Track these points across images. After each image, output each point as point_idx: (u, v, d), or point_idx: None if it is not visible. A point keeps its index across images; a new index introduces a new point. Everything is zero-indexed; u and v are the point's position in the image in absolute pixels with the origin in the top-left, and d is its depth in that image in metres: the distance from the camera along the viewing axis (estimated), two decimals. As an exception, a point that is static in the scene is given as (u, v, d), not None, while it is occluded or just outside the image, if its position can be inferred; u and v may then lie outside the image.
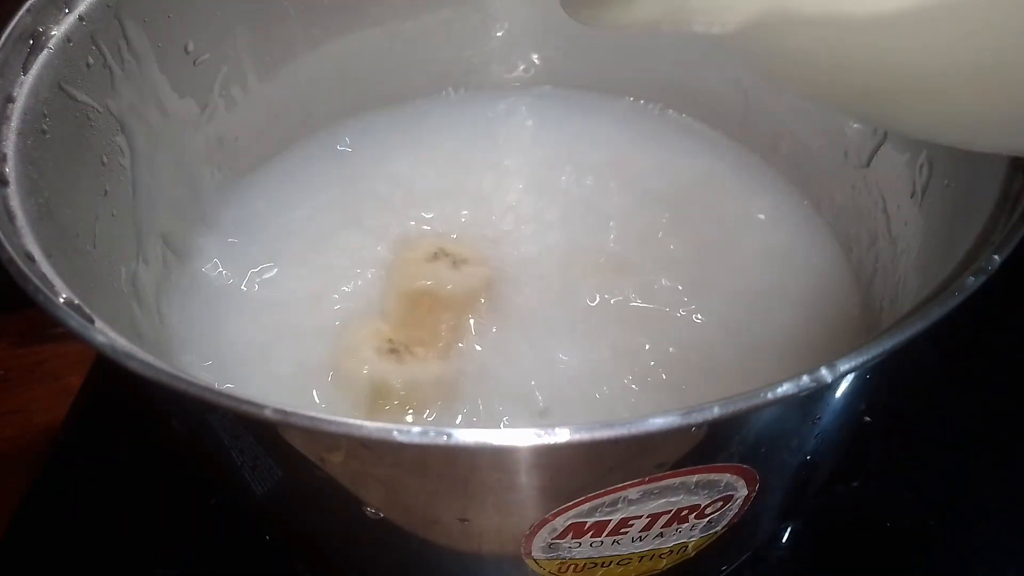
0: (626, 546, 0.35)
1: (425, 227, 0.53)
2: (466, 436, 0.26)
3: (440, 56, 0.61)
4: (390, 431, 0.26)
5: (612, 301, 0.48)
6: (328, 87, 0.59)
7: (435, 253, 0.50)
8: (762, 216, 0.54)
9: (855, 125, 0.51)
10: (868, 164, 0.51)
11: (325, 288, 0.50)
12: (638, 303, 0.48)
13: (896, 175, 0.48)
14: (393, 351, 0.45)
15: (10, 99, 0.37)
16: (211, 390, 0.27)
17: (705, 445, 0.30)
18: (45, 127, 0.39)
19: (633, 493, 0.31)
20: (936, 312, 0.29)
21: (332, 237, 0.53)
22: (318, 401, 0.45)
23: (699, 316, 0.48)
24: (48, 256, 0.33)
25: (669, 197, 0.55)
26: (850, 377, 0.28)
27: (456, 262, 0.49)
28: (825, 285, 0.50)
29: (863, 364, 0.28)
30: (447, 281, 0.48)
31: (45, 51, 0.39)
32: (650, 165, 0.57)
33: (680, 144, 0.59)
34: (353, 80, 0.60)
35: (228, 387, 0.45)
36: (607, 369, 0.45)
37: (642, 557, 0.36)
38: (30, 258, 0.33)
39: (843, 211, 0.53)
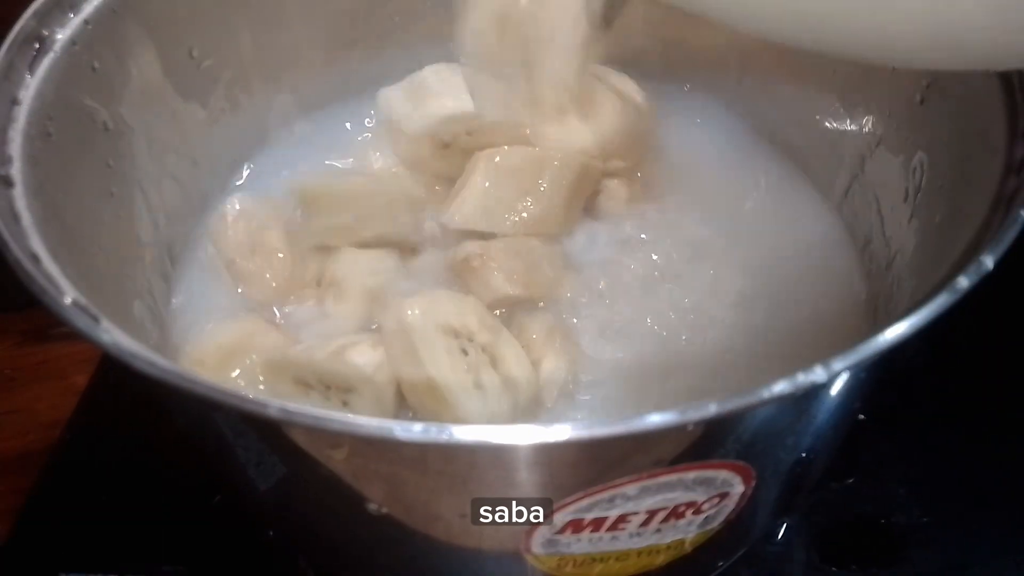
0: (624, 542, 0.35)
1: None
2: (466, 434, 0.26)
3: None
4: (391, 429, 0.26)
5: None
6: (330, 83, 0.60)
7: None
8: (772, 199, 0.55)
9: (851, 127, 0.52)
10: (863, 167, 0.51)
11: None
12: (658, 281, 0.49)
13: (890, 177, 0.48)
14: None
15: (16, 101, 0.38)
16: (216, 389, 0.28)
17: (702, 442, 0.31)
18: (51, 130, 0.39)
19: (631, 489, 0.32)
20: (929, 313, 0.29)
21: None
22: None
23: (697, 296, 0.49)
24: (54, 257, 0.34)
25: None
26: (845, 376, 0.29)
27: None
28: (831, 275, 0.51)
29: (857, 363, 0.28)
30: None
31: (51, 54, 0.40)
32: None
33: (693, 124, 0.60)
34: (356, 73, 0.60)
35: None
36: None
37: (640, 553, 0.36)
38: (36, 259, 0.33)
39: (838, 212, 0.54)
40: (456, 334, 0.42)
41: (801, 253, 0.52)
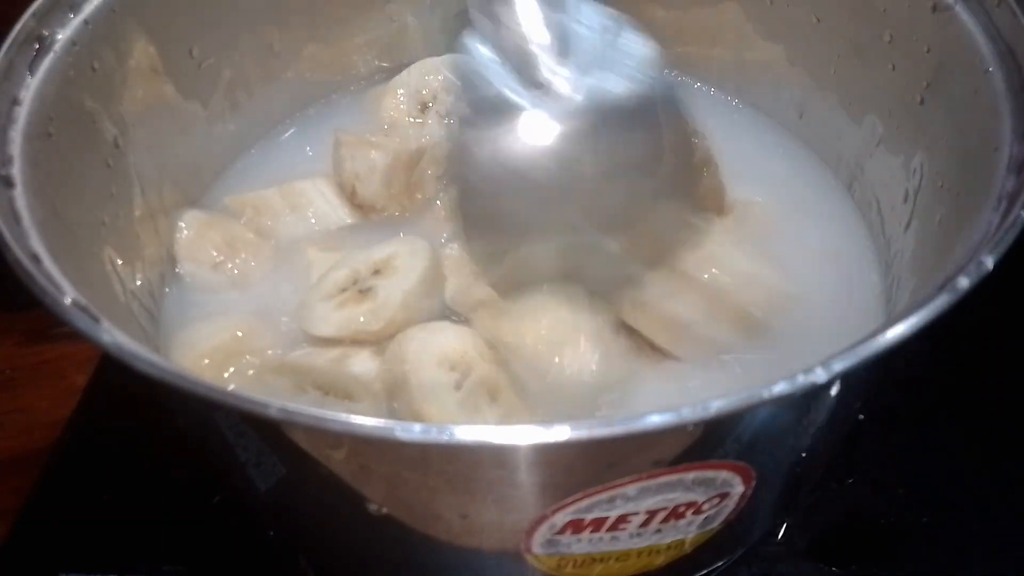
0: (624, 542, 0.35)
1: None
2: (466, 434, 0.26)
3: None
4: (392, 429, 0.26)
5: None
6: (333, 83, 0.60)
7: None
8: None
9: (850, 127, 0.52)
10: (862, 168, 0.51)
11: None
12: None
13: (889, 177, 0.48)
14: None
15: (16, 101, 0.38)
16: (216, 389, 0.28)
17: (702, 443, 0.31)
18: (51, 130, 0.39)
19: (631, 490, 0.32)
20: (929, 313, 0.29)
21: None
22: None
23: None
24: (54, 257, 0.34)
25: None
26: (845, 376, 0.29)
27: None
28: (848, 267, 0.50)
29: (857, 364, 0.28)
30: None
31: (51, 54, 0.40)
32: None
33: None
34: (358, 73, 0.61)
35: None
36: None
37: (640, 553, 0.36)
38: (36, 259, 0.33)
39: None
40: (453, 366, 0.41)
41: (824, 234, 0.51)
